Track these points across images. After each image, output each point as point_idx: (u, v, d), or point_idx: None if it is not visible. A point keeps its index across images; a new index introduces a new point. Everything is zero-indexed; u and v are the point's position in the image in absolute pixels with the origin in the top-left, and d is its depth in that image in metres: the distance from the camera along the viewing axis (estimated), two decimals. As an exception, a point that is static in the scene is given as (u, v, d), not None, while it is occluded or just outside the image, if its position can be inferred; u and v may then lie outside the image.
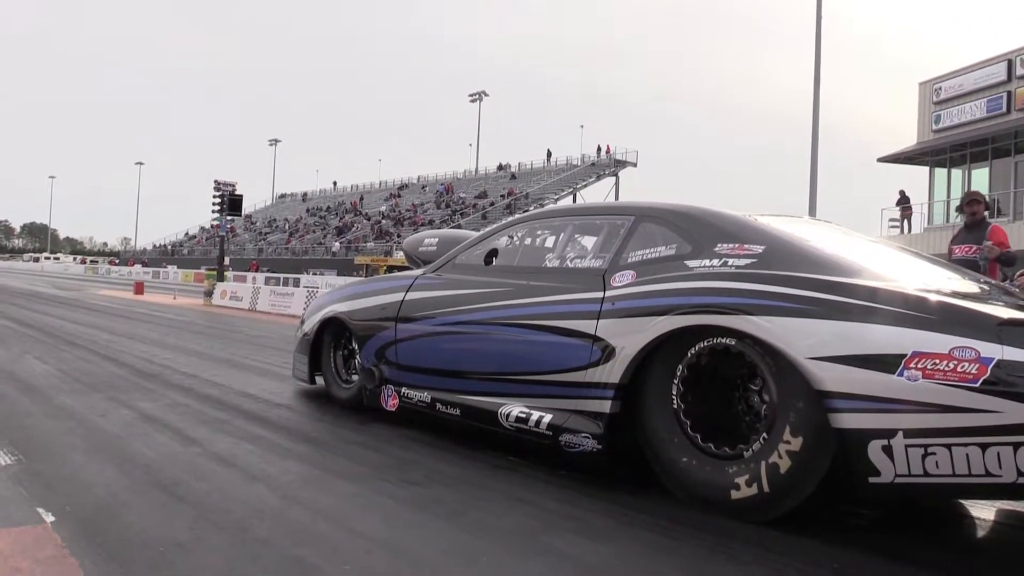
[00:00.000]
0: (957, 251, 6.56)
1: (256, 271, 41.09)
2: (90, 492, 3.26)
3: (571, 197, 53.62)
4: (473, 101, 70.43)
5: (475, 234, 5.38)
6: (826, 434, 2.88)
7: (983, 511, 3.42)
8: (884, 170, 31.03)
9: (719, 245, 3.56)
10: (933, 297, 2.90)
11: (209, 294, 21.47)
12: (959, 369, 2.60)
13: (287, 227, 67.89)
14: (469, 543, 2.81)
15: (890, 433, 2.72)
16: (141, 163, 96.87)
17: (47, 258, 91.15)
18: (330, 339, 5.63)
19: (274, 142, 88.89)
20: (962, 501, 3.49)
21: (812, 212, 21.86)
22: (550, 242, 4.69)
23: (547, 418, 3.78)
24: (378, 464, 3.89)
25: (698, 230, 3.74)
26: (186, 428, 4.53)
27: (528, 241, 4.83)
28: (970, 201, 6.70)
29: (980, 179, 25.28)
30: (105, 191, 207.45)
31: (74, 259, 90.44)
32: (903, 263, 3.82)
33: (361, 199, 68.72)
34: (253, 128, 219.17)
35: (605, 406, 3.53)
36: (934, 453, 2.65)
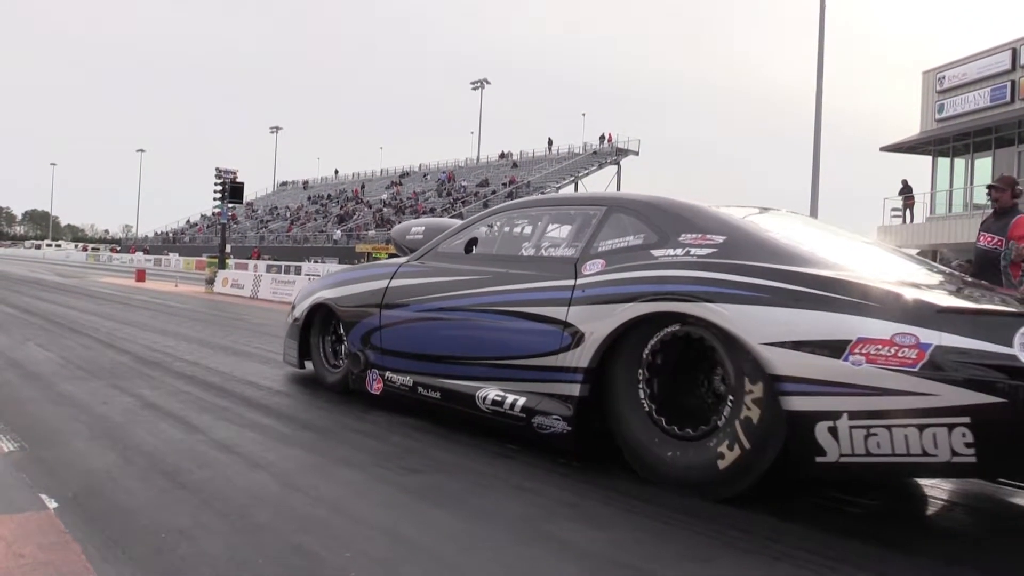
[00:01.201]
0: (980, 239, 6.16)
1: (257, 259, 41.06)
2: (93, 479, 3.29)
3: (573, 185, 53.51)
4: (475, 89, 70.25)
5: (459, 223, 5.48)
6: (780, 416, 3.00)
7: (979, 502, 3.44)
8: (888, 159, 30.94)
9: (683, 235, 3.70)
10: (878, 285, 3.01)
11: (210, 282, 21.49)
12: (899, 354, 2.74)
13: (288, 215, 67.84)
14: (469, 530, 2.83)
15: (836, 415, 2.85)
16: (142, 150, 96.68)
17: (49, 245, 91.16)
18: (319, 325, 5.78)
19: (275, 129, 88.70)
20: (964, 491, 3.51)
21: (814, 201, 21.83)
22: (527, 231, 4.82)
23: (521, 401, 3.91)
24: (379, 452, 3.91)
25: (664, 221, 3.88)
26: (188, 415, 4.55)
27: (506, 230, 4.97)
28: (990, 186, 6.19)
29: (983, 169, 25.21)
30: (107, 178, 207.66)
31: (76, 246, 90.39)
32: (857, 253, 3.90)
33: (362, 187, 68.60)
34: (254, 116, 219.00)
35: (575, 389, 3.67)
36: (876, 434, 2.79)
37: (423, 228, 5.65)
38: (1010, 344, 2.62)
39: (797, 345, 2.95)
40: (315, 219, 62.69)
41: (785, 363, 2.96)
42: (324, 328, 5.77)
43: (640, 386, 3.55)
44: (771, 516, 3.07)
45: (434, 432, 4.33)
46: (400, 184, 64.93)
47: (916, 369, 2.70)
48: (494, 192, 51.65)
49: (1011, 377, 2.58)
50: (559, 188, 51.71)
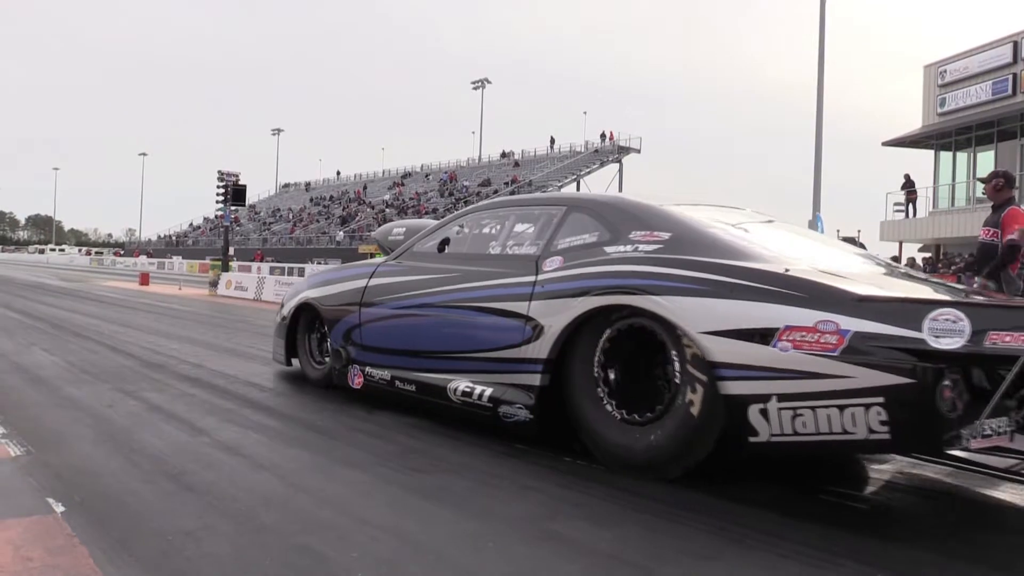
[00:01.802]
0: (981, 233, 6.34)
1: (260, 261, 41.12)
2: (99, 482, 3.30)
3: (574, 184, 53.46)
4: (476, 88, 70.25)
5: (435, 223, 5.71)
6: (719, 399, 3.21)
7: (981, 499, 3.44)
8: (891, 153, 30.89)
9: (633, 232, 3.93)
10: (807, 276, 3.20)
11: (214, 284, 21.52)
12: (822, 340, 2.93)
13: (291, 217, 67.90)
14: (475, 529, 2.83)
15: (766, 398, 3.06)
16: (145, 154, 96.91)
17: (52, 250, 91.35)
18: (304, 323, 6.03)
19: (277, 132, 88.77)
20: (966, 489, 3.51)
21: (816, 196, 21.80)
22: (495, 231, 4.99)
23: (488, 391, 4.12)
24: (384, 452, 3.92)
25: (617, 219, 4.10)
26: (193, 418, 4.56)
27: (476, 230, 5.18)
28: (980, 179, 6.30)
29: (986, 162, 25.14)
30: (109, 182, 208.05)
31: (79, 251, 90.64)
32: (796, 246, 4.05)
33: (364, 188, 68.62)
34: (256, 118, 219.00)
35: (535, 379, 3.88)
36: (802, 415, 2.98)
37: (404, 229, 5.93)
38: (919, 329, 2.79)
39: (732, 333, 3.15)
40: (317, 220, 62.74)
41: (721, 350, 3.17)
42: (310, 326, 5.99)
43: (596, 375, 3.74)
44: (776, 513, 3.07)
45: (439, 432, 4.33)
46: (402, 185, 64.96)
47: (836, 354, 2.88)
48: (496, 191, 51.62)
49: (920, 359, 2.76)
50: (561, 187, 51.67)
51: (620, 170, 56.11)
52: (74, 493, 3.11)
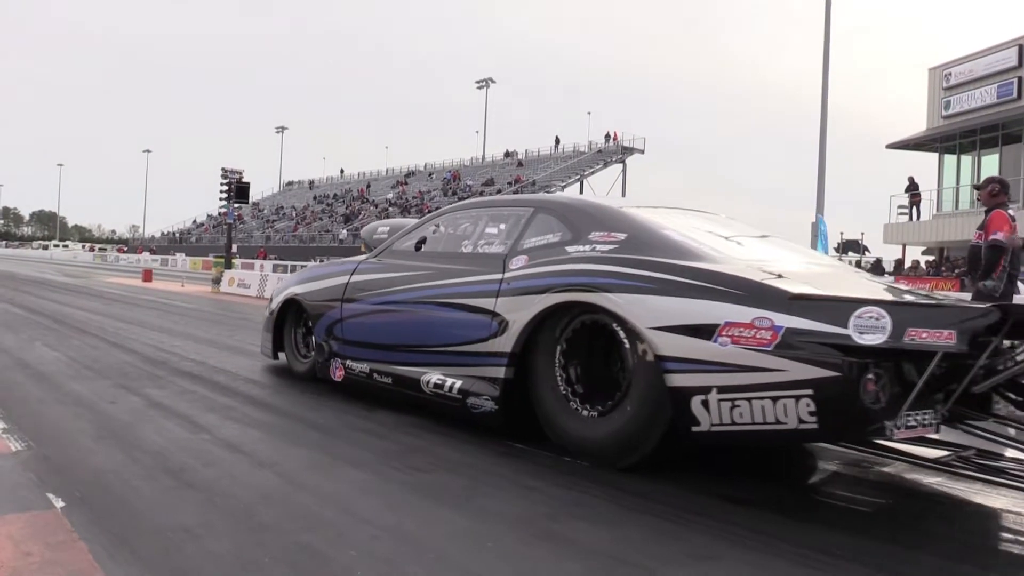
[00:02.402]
0: (974, 237, 6.55)
1: (263, 258, 41.16)
2: (100, 478, 3.30)
3: (578, 184, 53.44)
4: (480, 88, 70.23)
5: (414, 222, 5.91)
6: (665, 391, 3.38)
7: (984, 503, 3.43)
8: (895, 156, 30.84)
9: (593, 233, 4.14)
10: (746, 275, 3.38)
11: (217, 281, 21.52)
12: (758, 336, 3.10)
13: (294, 214, 67.93)
14: (475, 529, 2.83)
15: (707, 390, 3.22)
16: (149, 151, 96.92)
17: (56, 246, 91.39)
18: (291, 318, 6.22)
19: (281, 129, 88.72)
20: (968, 491, 3.51)
21: (820, 197, 21.77)
22: (468, 230, 5.14)
23: (458, 384, 4.31)
24: (384, 450, 3.91)
25: (578, 220, 4.33)
26: (194, 415, 4.56)
27: (450, 230, 5.33)
28: (975, 186, 6.65)
29: (990, 166, 25.11)
30: (113, 179, 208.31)
31: (83, 247, 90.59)
32: (744, 247, 4.15)
33: (368, 186, 68.63)
34: (260, 116, 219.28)
35: (501, 372, 4.07)
36: (739, 406, 3.14)
37: (388, 228, 6.14)
38: (845, 325, 2.95)
39: (677, 329, 3.34)
40: (321, 219, 62.78)
41: (667, 345, 3.35)
42: (296, 321, 6.19)
43: (556, 368, 3.92)
44: (778, 515, 3.07)
45: (439, 431, 4.33)
46: (405, 183, 64.97)
47: (771, 348, 3.06)
48: (499, 191, 51.62)
49: (845, 354, 2.92)
50: (564, 187, 51.64)
51: (624, 171, 56.07)
52: (74, 489, 3.12)
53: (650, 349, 3.43)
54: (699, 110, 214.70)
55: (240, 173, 24.88)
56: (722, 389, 3.18)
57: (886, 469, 3.86)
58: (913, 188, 27.48)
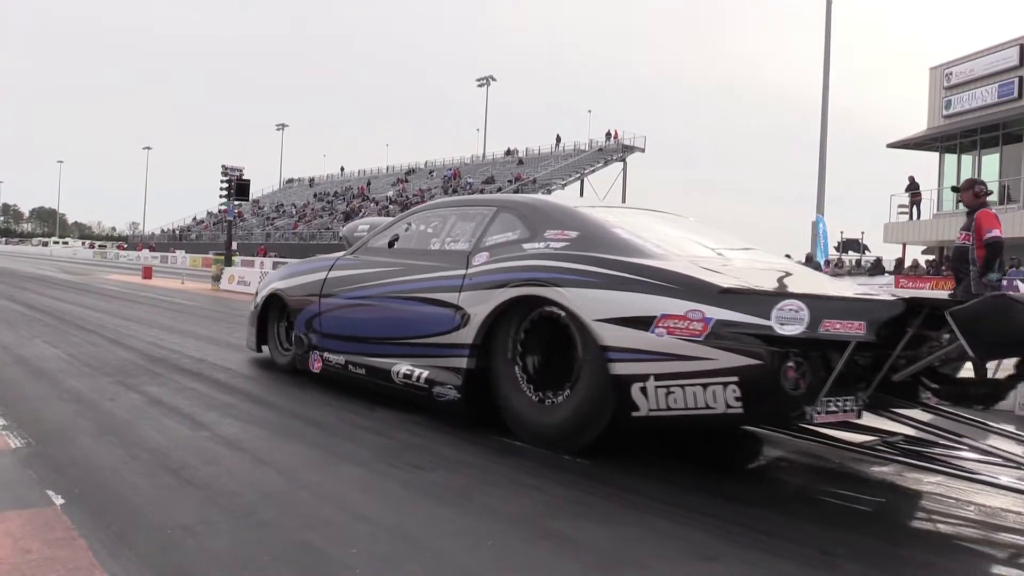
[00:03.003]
0: (958, 237, 6.78)
1: (264, 256, 41.15)
2: (99, 475, 3.30)
3: (578, 183, 53.42)
4: (480, 86, 70.15)
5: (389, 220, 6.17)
6: (609, 379, 3.57)
7: (983, 501, 3.43)
8: (896, 156, 30.83)
9: (548, 231, 4.38)
10: (683, 270, 3.62)
11: (217, 279, 21.50)
12: (690, 327, 3.31)
13: (294, 212, 67.88)
14: (475, 527, 2.84)
15: (645, 377, 3.43)
16: (149, 148, 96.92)
17: (56, 242, 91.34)
18: (274, 313, 6.45)
19: (281, 127, 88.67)
20: (968, 491, 3.51)
21: (820, 197, 21.77)
22: (437, 228, 5.35)
23: (425, 374, 4.53)
24: (384, 448, 3.91)
25: (536, 219, 4.57)
26: (194, 412, 4.56)
27: (421, 228, 5.54)
28: (954, 188, 6.98)
29: (990, 165, 25.12)
30: (113, 176, 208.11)
31: (83, 244, 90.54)
32: (688, 244, 4.35)
33: (368, 184, 68.56)
34: (260, 113, 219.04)
35: (463, 362, 4.30)
36: (674, 392, 3.35)
37: (367, 226, 6.34)
38: (768, 317, 3.14)
39: (619, 321, 3.54)
40: (321, 216, 62.74)
41: (610, 336, 3.56)
42: (279, 316, 6.40)
43: (514, 358, 4.15)
44: (777, 514, 3.07)
45: (439, 429, 4.33)
46: (406, 181, 64.93)
47: (702, 339, 3.26)
48: (500, 189, 51.61)
49: (767, 343, 3.11)
50: (565, 185, 51.65)
51: (624, 169, 56.06)
52: (74, 486, 3.12)
53: (595, 340, 3.61)
54: (699, 109, 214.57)
55: (240, 170, 24.84)
56: (659, 376, 3.38)
57: (886, 469, 3.86)
58: (913, 187, 27.48)
